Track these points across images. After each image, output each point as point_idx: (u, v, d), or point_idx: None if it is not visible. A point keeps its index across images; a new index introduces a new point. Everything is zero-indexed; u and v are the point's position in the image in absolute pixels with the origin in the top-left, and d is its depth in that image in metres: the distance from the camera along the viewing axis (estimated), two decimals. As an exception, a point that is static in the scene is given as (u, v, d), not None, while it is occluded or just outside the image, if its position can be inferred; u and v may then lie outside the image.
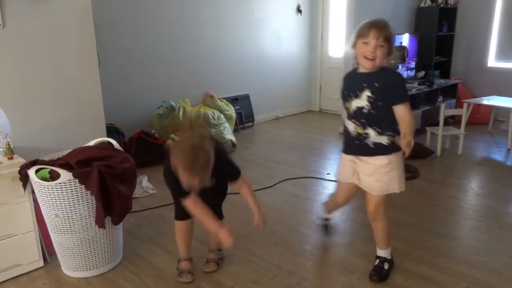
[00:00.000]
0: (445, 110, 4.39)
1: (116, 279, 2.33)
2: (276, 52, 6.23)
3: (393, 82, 2.03)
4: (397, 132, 2.02)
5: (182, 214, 2.20)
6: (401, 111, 1.99)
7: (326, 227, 2.69)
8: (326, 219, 2.67)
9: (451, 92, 5.88)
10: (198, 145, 1.86)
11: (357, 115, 2.08)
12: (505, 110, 5.06)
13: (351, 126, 2.13)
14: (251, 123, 5.87)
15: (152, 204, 3.29)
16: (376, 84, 2.01)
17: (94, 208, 2.21)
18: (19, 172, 2.23)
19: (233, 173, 2.15)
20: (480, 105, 5.44)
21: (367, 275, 2.31)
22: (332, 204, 2.57)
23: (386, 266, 2.30)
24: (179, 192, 2.03)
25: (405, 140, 1.90)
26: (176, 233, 2.30)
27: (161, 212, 3.16)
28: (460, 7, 6.14)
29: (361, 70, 2.08)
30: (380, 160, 2.09)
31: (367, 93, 2.03)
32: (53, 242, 2.35)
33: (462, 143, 4.48)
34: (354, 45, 2.05)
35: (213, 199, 2.20)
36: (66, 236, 2.25)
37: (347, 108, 2.13)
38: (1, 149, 2.33)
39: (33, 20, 2.71)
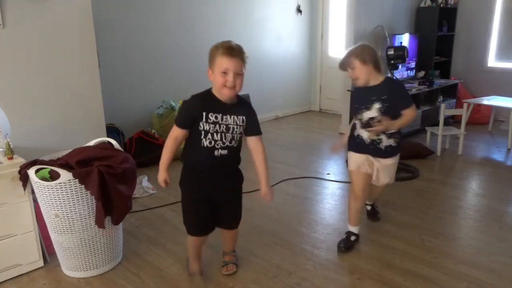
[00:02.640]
0: (445, 110, 4.39)
1: (116, 279, 2.33)
2: (276, 52, 6.23)
3: (397, 92, 2.38)
4: (401, 134, 2.46)
5: (198, 229, 2.17)
6: (409, 113, 2.36)
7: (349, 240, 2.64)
8: (354, 234, 2.63)
9: (451, 92, 5.88)
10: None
11: (369, 125, 2.39)
12: (505, 110, 5.06)
13: (365, 135, 2.44)
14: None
15: (152, 204, 3.29)
16: (383, 97, 2.33)
17: (94, 208, 2.21)
18: (19, 172, 2.23)
19: (255, 126, 2.07)
20: (480, 105, 5.44)
21: (367, 275, 2.32)
22: (354, 212, 2.62)
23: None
24: (181, 118, 2.02)
25: (384, 123, 2.29)
26: (189, 246, 2.26)
27: (161, 212, 3.16)
28: (460, 7, 6.14)
29: (367, 84, 2.38)
30: (390, 161, 2.51)
31: (376, 105, 2.35)
32: (53, 242, 2.35)
33: (462, 143, 4.48)
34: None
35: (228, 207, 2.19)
36: (66, 236, 2.25)
37: (359, 119, 2.44)
38: (1, 149, 2.33)
39: (33, 20, 2.71)
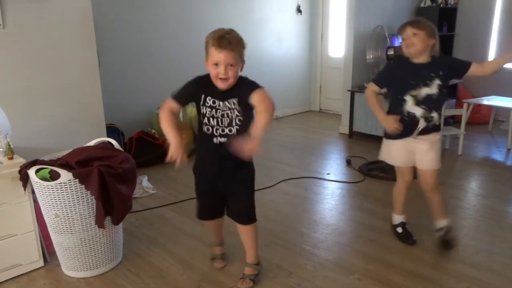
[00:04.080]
0: (445, 110, 4.39)
1: (116, 279, 2.33)
2: (276, 52, 6.23)
3: (449, 62, 2.52)
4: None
5: (203, 214, 2.26)
6: (475, 68, 2.50)
7: (409, 233, 2.67)
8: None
9: (451, 92, 5.88)
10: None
11: (426, 101, 2.37)
12: (505, 110, 5.06)
13: (419, 112, 2.39)
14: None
15: (152, 204, 3.29)
16: (441, 73, 2.37)
17: (94, 208, 2.21)
18: (19, 172, 2.23)
19: (250, 89, 1.92)
20: (480, 105, 5.44)
21: (367, 275, 2.32)
22: (401, 200, 2.66)
23: (452, 234, 2.52)
24: (180, 92, 1.99)
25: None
26: (205, 225, 2.39)
27: (161, 212, 3.16)
28: (460, 7, 6.14)
29: (416, 60, 2.37)
30: (435, 137, 2.46)
31: (437, 81, 2.37)
32: (53, 242, 2.35)
33: (462, 143, 4.48)
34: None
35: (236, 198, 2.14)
36: (66, 236, 2.25)
37: (413, 96, 2.37)
38: (1, 149, 2.33)
39: (33, 20, 2.71)
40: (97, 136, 2.71)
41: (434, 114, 2.41)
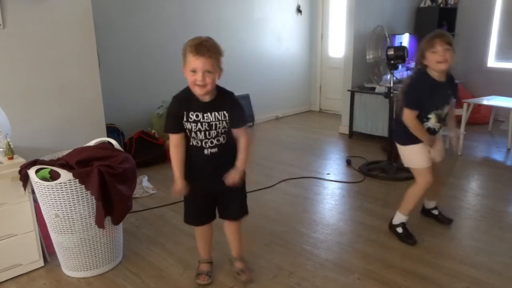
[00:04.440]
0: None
1: (116, 279, 2.33)
2: (276, 52, 6.23)
3: (456, 88, 2.63)
4: None
5: (195, 218, 2.21)
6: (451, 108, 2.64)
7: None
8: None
9: (451, 92, 5.88)
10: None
11: (445, 118, 2.57)
12: (505, 110, 5.06)
13: (438, 126, 2.55)
14: (251, 123, 5.87)
15: (152, 204, 3.29)
16: (454, 93, 2.55)
17: (94, 208, 2.21)
18: (19, 172, 2.23)
19: (239, 120, 2.02)
20: (480, 105, 5.44)
21: (367, 275, 2.32)
22: (419, 200, 2.71)
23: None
24: (170, 124, 2.01)
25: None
26: (196, 236, 2.29)
27: (161, 212, 3.16)
28: (460, 7, 6.14)
29: (438, 78, 2.45)
30: (439, 136, 2.69)
31: (453, 100, 2.56)
32: (53, 242, 2.35)
33: (462, 143, 4.47)
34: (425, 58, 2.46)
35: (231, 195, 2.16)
36: (66, 236, 2.25)
37: (438, 114, 2.50)
38: (1, 149, 2.33)
39: (33, 21, 2.71)
40: (97, 136, 2.71)
41: (442, 126, 2.61)
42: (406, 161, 2.65)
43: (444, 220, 2.89)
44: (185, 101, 1.97)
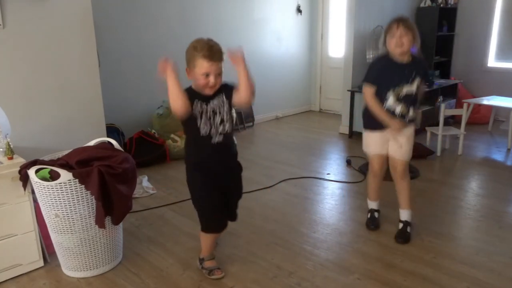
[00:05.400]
0: (445, 110, 4.39)
1: (116, 279, 2.33)
2: (276, 52, 6.23)
3: (424, 69, 2.63)
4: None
5: (218, 224, 2.21)
6: (424, 89, 2.65)
7: (374, 218, 2.90)
8: (376, 210, 2.91)
9: (451, 92, 5.88)
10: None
11: (405, 99, 2.53)
12: (505, 110, 5.06)
13: (398, 108, 2.54)
14: (251, 123, 5.87)
15: (152, 204, 3.29)
16: (419, 73, 2.53)
17: (94, 208, 2.21)
18: (19, 172, 2.23)
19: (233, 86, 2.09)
20: (480, 105, 5.44)
21: (367, 275, 2.32)
22: (372, 188, 2.85)
23: (408, 229, 2.70)
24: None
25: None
26: (208, 238, 2.27)
27: (161, 212, 3.16)
28: (460, 7, 6.14)
29: (400, 60, 2.50)
30: (410, 130, 2.62)
31: (417, 81, 2.52)
32: (53, 242, 2.35)
33: (462, 143, 4.48)
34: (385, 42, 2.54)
35: (232, 194, 2.24)
36: (66, 236, 2.25)
37: (396, 94, 2.52)
38: (1, 149, 2.33)
39: (33, 20, 2.71)
40: (97, 136, 2.71)
41: (411, 110, 2.57)
42: (363, 144, 2.77)
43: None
44: (193, 93, 2.04)
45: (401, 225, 2.72)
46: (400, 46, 2.44)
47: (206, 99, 2.03)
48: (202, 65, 1.95)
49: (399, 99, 2.53)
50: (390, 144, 2.64)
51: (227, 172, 2.18)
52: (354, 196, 3.45)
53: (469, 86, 6.17)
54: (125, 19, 4.45)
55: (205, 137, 2.05)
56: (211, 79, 1.96)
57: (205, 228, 2.23)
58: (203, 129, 2.04)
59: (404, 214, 2.72)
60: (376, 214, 2.89)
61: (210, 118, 2.04)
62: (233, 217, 2.31)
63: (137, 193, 3.42)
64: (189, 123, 2.05)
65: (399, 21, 2.45)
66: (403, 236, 2.66)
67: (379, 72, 2.57)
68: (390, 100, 2.54)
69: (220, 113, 2.05)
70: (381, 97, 2.55)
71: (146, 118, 4.69)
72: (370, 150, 2.71)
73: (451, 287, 2.20)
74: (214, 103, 2.04)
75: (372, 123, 2.62)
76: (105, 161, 2.24)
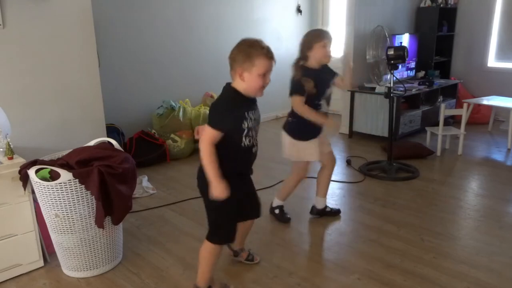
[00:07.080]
0: (445, 110, 4.39)
1: (116, 279, 2.33)
2: (276, 52, 6.12)
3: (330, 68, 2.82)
4: None
5: (233, 235, 2.03)
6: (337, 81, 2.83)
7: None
8: (282, 206, 3.04)
9: (451, 92, 5.88)
10: None
11: (329, 101, 2.76)
12: (505, 110, 5.06)
13: (325, 108, 2.73)
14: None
15: (152, 204, 3.29)
16: (331, 73, 2.76)
17: (94, 208, 2.21)
18: (19, 172, 2.23)
19: None
20: (480, 105, 5.44)
21: (367, 275, 2.32)
22: (292, 190, 2.99)
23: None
24: (223, 121, 1.82)
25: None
26: (212, 255, 2.03)
27: (161, 212, 3.16)
28: (460, 7, 6.14)
29: (315, 66, 2.66)
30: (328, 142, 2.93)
31: (332, 81, 2.75)
32: (53, 242, 2.35)
33: (462, 143, 4.47)
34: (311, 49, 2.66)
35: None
36: (66, 236, 2.25)
37: (327, 97, 2.72)
38: (1, 149, 2.33)
39: (33, 20, 2.71)
40: (97, 136, 2.71)
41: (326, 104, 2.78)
42: (294, 155, 2.82)
43: (335, 211, 3.09)
44: (243, 101, 1.90)
45: (329, 208, 3.06)
46: (328, 56, 2.64)
47: (253, 105, 1.92)
48: (264, 64, 1.83)
49: (328, 103, 2.77)
50: (320, 147, 2.79)
51: (250, 178, 2.12)
52: (354, 196, 3.45)
53: (469, 86, 6.16)
54: (125, 19, 4.45)
55: (247, 146, 1.91)
56: (267, 79, 1.87)
57: (215, 236, 2.01)
58: (247, 139, 1.89)
59: (321, 202, 3.01)
60: (284, 209, 3.04)
61: (253, 127, 1.91)
62: (258, 212, 2.21)
63: (137, 193, 3.42)
64: (233, 131, 1.86)
65: (328, 33, 2.65)
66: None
67: (303, 82, 2.65)
68: (324, 106, 2.74)
69: (258, 123, 1.96)
70: (314, 105, 2.67)
71: (146, 118, 4.69)
72: (313, 157, 2.78)
73: (451, 287, 2.20)
74: (257, 111, 1.94)
75: (309, 132, 2.74)
76: (105, 161, 2.24)
